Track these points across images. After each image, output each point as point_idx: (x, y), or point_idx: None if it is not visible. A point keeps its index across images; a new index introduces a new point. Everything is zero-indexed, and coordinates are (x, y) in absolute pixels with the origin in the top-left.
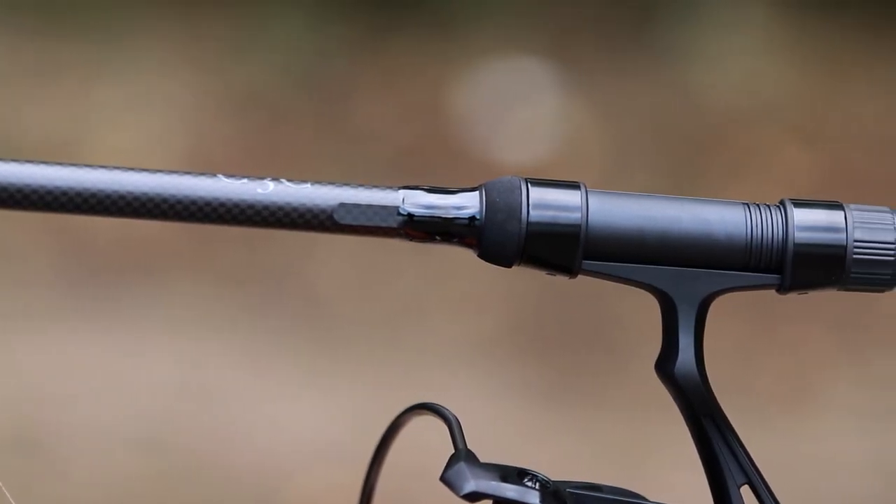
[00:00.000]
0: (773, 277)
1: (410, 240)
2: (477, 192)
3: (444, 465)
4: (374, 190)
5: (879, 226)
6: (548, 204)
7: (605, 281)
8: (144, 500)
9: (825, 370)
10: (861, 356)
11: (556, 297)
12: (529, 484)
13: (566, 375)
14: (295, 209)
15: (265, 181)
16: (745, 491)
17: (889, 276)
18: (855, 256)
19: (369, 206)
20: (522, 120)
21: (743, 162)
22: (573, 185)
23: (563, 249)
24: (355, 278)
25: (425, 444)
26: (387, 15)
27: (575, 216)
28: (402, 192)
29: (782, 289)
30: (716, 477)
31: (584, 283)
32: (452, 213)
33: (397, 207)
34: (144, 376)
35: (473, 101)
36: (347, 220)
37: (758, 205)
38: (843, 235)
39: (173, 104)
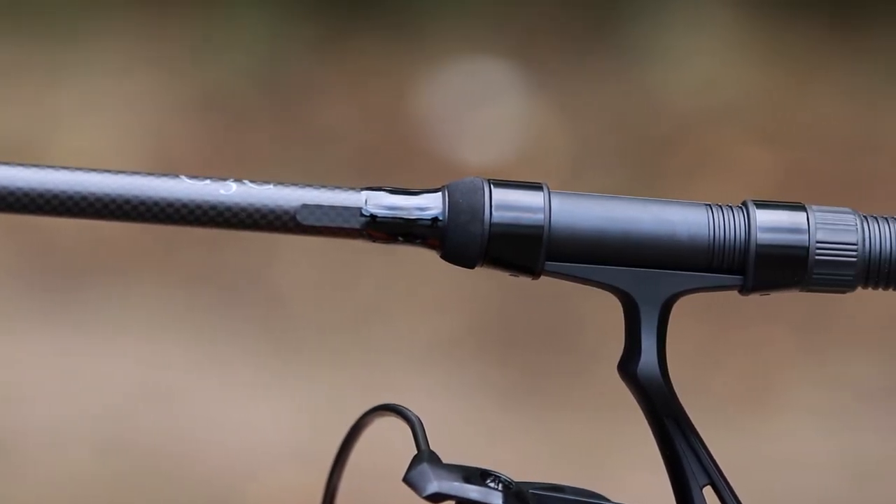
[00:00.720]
0: (735, 278)
1: (373, 241)
2: (440, 193)
3: (407, 466)
4: (337, 191)
5: (841, 227)
6: (510, 205)
7: (567, 282)
8: (105, 502)
9: (787, 370)
10: (822, 356)
11: (519, 297)
12: (492, 485)
13: (529, 376)
14: (258, 210)
15: (228, 182)
16: (708, 492)
17: (851, 277)
18: (817, 257)
19: (332, 208)
20: (485, 120)
21: (705, 162)
22: (536, 186)
23: (525, 250)
24: (318, 279)
25: (388, 445)
26: (350, 16)
27: (537, 217)
28: (364, 193)
29: (745, 290)
30: (678, 477)
31: (546, 284)
32: (415, 214)
33: (360, 208)
34: (106, 377)
35: (436, 102)
36: (310, 221)
37: (720, 206)
38: (806, 236)
39: (135, 105)
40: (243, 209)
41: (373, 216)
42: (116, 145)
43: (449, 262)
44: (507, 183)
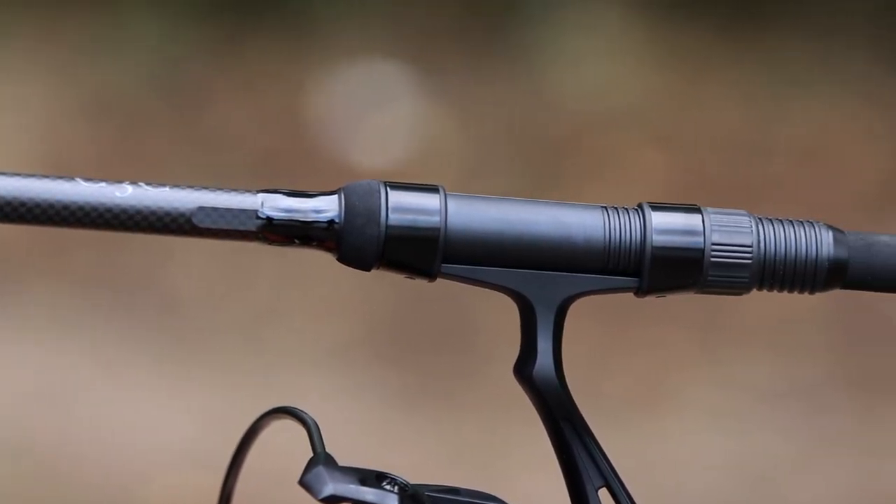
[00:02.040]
0: (631, 280)
1: (269, 243)
2: (336, 196)
3: (303, 468)
4: (233, 193)
5: (736, 229)
6: (407, 207)
7: (463, 284)
8: None
9: (683, 371)
10: (718, 357)
11: (415, 299)
12: (388, 487)
13: (425, 378)
14: (153, 212)
15: (124, 185)
16: (604, 493)
17: (746, 279)
18: (712, 259)
19: (228, 210)
20: (382, 123)
21: (601, 165)
22: (432, 189)
23: (422, 253)
24: (213, 281)
25: (284, 447)
26: (245, 18)
27: (434, 220)
28: (261, 195)
29: (640, 292)
30: (574, 480)
31: (443, 286)
32: (311, 217)
33: (256, 211)
34: None
35: (332, 105)
36: (206, 224)
37: (616, 208)
38: (701, 239)
39: (27, 108)
40: (139, 211)
41: (269, 219)
42: (8, 148)
43: (345, 264)
44: (403, 185)
